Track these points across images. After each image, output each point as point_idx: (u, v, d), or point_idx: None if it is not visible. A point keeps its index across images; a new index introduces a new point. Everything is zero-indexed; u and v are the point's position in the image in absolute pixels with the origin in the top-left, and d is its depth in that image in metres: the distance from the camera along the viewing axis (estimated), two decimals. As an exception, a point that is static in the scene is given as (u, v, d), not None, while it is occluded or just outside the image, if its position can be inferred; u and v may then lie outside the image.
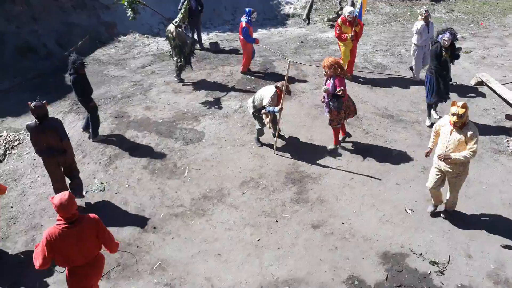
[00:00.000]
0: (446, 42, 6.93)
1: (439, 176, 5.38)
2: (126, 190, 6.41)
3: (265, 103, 6.70)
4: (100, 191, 6.39)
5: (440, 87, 7.33)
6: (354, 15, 8.59)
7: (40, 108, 5.28)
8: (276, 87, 6.75)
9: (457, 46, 7.36)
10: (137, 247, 5.45)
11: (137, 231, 5.70)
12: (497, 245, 5.29)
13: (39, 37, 11.06)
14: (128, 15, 8.17)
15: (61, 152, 5.62)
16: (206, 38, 12.68)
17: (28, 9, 11.26)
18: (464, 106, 4.92)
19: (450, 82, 8.08)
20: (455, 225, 5.60)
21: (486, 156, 6.93)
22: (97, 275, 4.21)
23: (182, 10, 8.85)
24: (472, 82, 9.14)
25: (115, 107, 8.54)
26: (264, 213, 5.94)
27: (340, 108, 6.52)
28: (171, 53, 9.30)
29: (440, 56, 7.08)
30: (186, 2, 8.92)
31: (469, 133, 4.98)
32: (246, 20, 9.11)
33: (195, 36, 11.44)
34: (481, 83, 8.99)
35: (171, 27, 8.83)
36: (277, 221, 5.79)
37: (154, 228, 5.75)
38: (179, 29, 8.74)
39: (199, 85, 9.36)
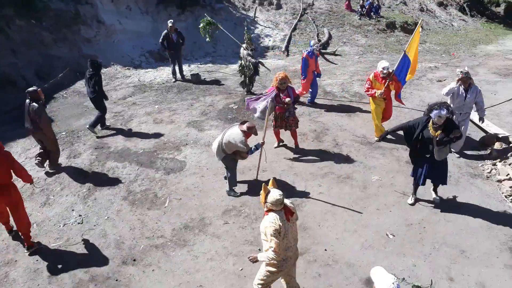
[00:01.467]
0: (442, 120, 5.56)
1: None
2: (105, 222, 6.27)
3: (240, 149, 6.29)
4: (79, 223, 6.24)
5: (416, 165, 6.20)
6: (389, 71, 7.78)
7: (30, 92, 6.87)
8: (242, 130, 6.25)
9: (455, 132, 5.64)
10: (116, 280, 5.28)
11: (116, 263, 5.54)
12: (478, 267, 5.34)
13: (18, 69, 11.04)
14: (204, 37, 10.40)
15: (40, 130, 7.00)
16: (188, 69, 12.89)
17: (6, 42, 11.29)
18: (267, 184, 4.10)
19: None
20: (436, 249, 5.64)
21: (463, 180, 7.09)
22: (6, 199, 5.42)
23: (246, 36, 10.02)
24: (446, 109, 9.40)
25: (95, 138, 8.47)
26: (247, 242, 5.87)
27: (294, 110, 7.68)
28: (239, 71, 10.41)
29: (421, 130, 5.81)
30: (246, 28, 10.19)
31: (264, 222, 4.07)
32: (307, 51, 9.44)
33: (176, 68, 11.63)
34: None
35: (241, 50, 10.04)
36: (260, 250, 5.72)
37: (134, 260, 5.60)
38: (245, 51, 9.88)
39: (180, 115, 9.42)
